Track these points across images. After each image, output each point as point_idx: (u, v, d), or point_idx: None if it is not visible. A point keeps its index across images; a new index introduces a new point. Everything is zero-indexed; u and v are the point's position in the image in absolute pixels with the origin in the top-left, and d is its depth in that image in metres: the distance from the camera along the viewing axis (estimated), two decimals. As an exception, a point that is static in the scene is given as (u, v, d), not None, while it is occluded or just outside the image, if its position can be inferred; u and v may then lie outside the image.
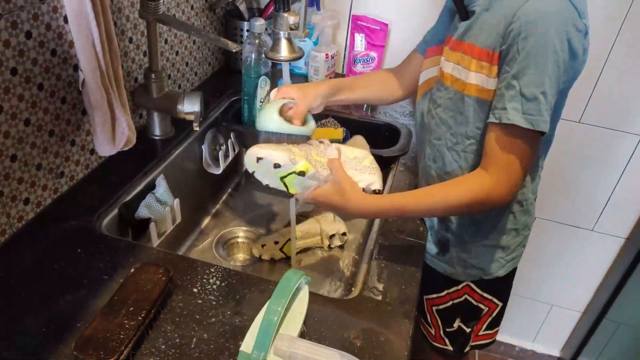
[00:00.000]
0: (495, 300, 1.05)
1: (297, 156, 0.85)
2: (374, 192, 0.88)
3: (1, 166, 0.79)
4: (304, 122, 0.95)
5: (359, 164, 0.89)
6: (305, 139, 0.94)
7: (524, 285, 1.86)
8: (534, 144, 0.78)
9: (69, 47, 0.87)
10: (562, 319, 1.93)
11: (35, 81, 0.82)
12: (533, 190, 0.96)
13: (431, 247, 1.03)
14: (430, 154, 0.97)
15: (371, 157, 0.93)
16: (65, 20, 0.85)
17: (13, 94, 0.78)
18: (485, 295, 1.03)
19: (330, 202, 0.83)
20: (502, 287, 1.05)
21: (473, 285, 1.02)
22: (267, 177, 0.87)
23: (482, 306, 1.05)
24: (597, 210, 1.65)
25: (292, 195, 0.89)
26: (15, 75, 0.78)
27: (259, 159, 0.85)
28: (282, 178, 0.85)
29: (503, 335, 2.01)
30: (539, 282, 1.86)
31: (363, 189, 0.87)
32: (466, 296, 1.03)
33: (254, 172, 0.87)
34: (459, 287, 1.02)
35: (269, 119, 0.93)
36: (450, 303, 1.05)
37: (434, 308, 1.08)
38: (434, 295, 1.07)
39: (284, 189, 0.87)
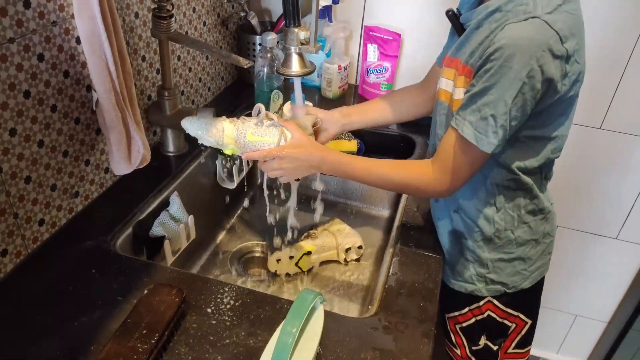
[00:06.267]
0: (522, 316, 1.01)
1: (226, 139, 0.87)
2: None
3: (15, 188, 0.79)
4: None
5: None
6: None
7: (547, 295, 1.79)
8: (477, 159, 0.81)
9: (82, 68, 0.88)
10: (587, 329, 1.88)
11: (48, 103, 0.82)
12: (547, 198, 0.94)
13: (447, 269, 1.01)
14: None
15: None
16: (78, 41, 0.85)
17: (26, 116, 0.78)
18: (509, 310, 1.00)
19: (296, 154, 0.87)
20: (528, 301, 1.02)
21: (495, 301, 0.99)
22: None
23: (507, 322, 1.01)
24: (621, 217, 1.61)
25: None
26: (28, 98, 0.78)
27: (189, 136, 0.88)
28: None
29: (526, 347, 1.97)
30: (563, 292, 1.82)
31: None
32: (489, 312, 1.00)
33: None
34: (481, 303, 0.99)
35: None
36: (473, 320, 1.02)
37: (457, 326, 1.05)
38: (456, 313, 1.03)
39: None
